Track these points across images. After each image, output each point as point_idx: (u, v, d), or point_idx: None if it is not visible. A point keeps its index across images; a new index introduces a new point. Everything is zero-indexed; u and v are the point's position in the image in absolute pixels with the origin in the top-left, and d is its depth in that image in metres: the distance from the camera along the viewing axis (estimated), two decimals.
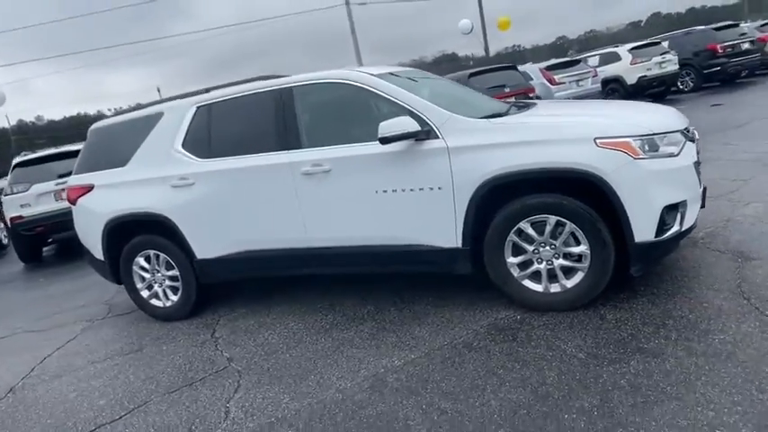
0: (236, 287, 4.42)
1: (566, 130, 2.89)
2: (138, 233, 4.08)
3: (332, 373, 2.85)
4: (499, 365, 2.59)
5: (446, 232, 3.13)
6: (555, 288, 3.01)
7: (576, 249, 2.90)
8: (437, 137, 3.07)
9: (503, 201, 2.99)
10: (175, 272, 4.03)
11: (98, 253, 4.26)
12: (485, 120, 3.10)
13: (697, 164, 2.95)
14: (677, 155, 2.83)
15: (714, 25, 14.77)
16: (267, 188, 3.55)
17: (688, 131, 3.04)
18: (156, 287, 4.16)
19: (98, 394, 3.14)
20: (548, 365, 2.50)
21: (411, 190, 3.15)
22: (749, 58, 13.77)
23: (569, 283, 2.97)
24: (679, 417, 1.98)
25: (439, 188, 3.07)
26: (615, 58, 14.27)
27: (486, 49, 22.10)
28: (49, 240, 8.03)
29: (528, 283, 3.07)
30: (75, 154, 8.29)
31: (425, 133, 3.07)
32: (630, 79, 13.60)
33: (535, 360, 2.57)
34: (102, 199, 4.12)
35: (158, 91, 55.29)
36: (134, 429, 2.67)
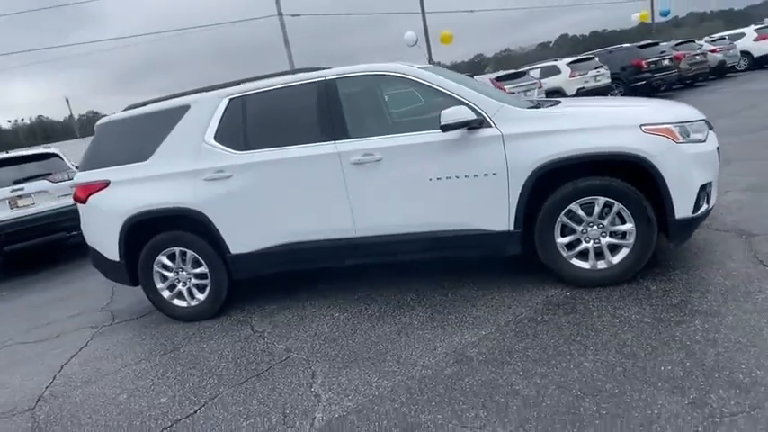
0: (252, 286, 4.32)
1: (613, 117, 3.19)
2: (161, 230, 3.90)
3: (408, 353, 2.91)
4: (574, 334, 2.79)
5: (499, 216, 3.31)
6: (601, 265, 3.27)
7: (623, 227, 3.18)
8: (490, 125, 3.25)
9: (553, 185, 3.22)
10: (203, 269, 3.89)
11: (112, 253, 4.02)
12: (531, 109, 3.33)
13: (718, 149, 3.35)
14: (704, 141, 3.21)
15: (638, 43, 16.32)
16: (313, 178, 3.55)
17: (707, 122, 3.45)
18: (179, 286, 3.99)
19: (154, 393, 2.99)
20: (620, 330, 2.73)
21: (465, 177, 3.30)
22: (669, 74, 15.37)
23: (615, 260, 3.24)
24: (762, 359, 2.27)
25: (494, 174, 3.24)
26: (555, 71, 15.38)
27: (430, 61, 22.85)
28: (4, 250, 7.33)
29: (576, 262, 3.31)
30: (30, 159, 7.73)
31: (479, 122, 3.24)
32: (570, 90, 14.70)
33: (606, 327, 2.79)
34: (121, 195, 3.90)
35: (67, 102, 51.53)
36: (219, 420, 2.59)
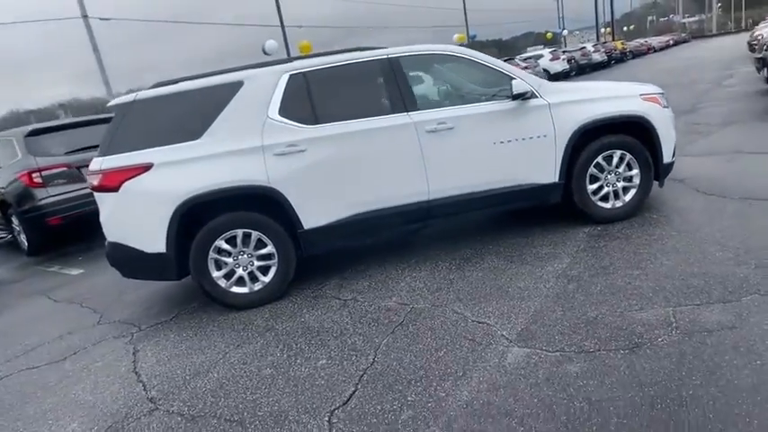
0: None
1: (620, 90, 4.19)
2: (220, 212, 3.68)
3: (524, 283, 3.41)
4: (631, 247, 3.65)
5: (548, 171, 4.04)
6: (618, 204, 4.23)
7: (631, 173, 4.19)
8: (536, 96, 3.97)
9: (584, 143, 4.07)
10: (268, 249, 3.78)
11: (153, 245, 3.63)
12: (559, 83, 4.15)
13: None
14: (668, 107, 4.42)
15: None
16: (390, 147, 3.81)
17: None
18: (239, 272, 3.79)
19: (303, 360, 2.94)
20: (654, 242, 3.67)
21: (522, 139, 3.95)
22: None
23: (627, 198, 4.23)
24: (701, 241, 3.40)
25: (545, 135, 3.97)
26: None
27: None
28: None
29: (600, 203, 4.21)
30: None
31: (531, 94, 3.93)
32: None
33: (644, 244, 3.70)
34: (170, 178, 3.58)
35: None
36: (406, 357, 2.75)
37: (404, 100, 3.86)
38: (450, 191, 3.95)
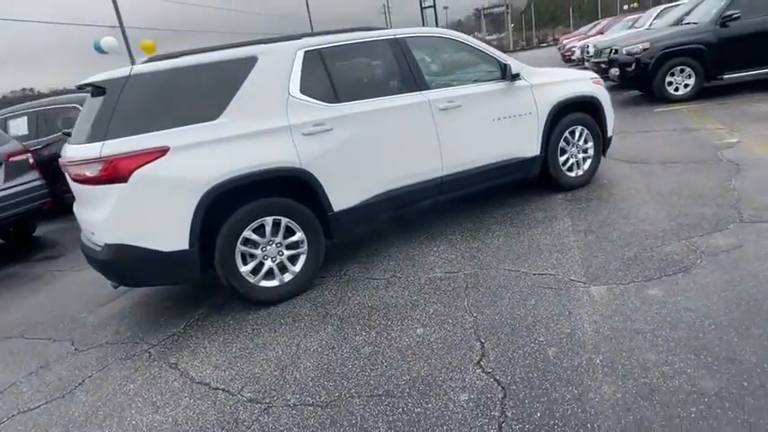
0: None
1: (577, 74, 4.86)
2: (248, 200, 3.35)
3: (547, 240, 3.79)
4: (611, 204, 4.30)
5: (534, 144, 4.51)
6: (579, 173, 4.90)
7: (587, 145, 4.89)
8: (520, 78, 4.41)
9: (554, 120, 4.64)
10: (298, 236, 3.56)
11: (173, 242, 3.17)
12: (530, 68, 4.67)
13: None
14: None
15: None
16: (410, 125, 3.89)
17: None
18: (268, 263, 3.48)
19: (410, 345, 2.88)
20: (626, 199, 4.40)
21: (515, 116, 4.36)
22: None
23: (585, 167, 4.93)
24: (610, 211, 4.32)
25: (530, 113, 4.43)
26: None
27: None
28: None
29: (567, 173, 4.83)
30: None
31: (518, 75, 4.37)
32: None
33: (619, 200, 4.41)
34: (191, 163, 3.16)
35: None
36: (524, 306, 2.90)
37: (416, 79, 3.97)
38: (458, 167, 4.17)
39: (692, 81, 8.32)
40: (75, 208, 3.60)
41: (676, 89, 8.46)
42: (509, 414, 2.11)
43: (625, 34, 11.30)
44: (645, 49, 8.48)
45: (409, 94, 3.91)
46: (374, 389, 2.43)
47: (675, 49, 8.23)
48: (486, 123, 4.24)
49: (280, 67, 3.53)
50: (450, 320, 2.93)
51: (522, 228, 4.15)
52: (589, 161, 4.94)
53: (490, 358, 2.50)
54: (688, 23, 8.68)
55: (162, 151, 3.10)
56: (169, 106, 3.22)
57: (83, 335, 3.61)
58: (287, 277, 3.57)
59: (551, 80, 4.61)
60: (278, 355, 2.88)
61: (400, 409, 2.25)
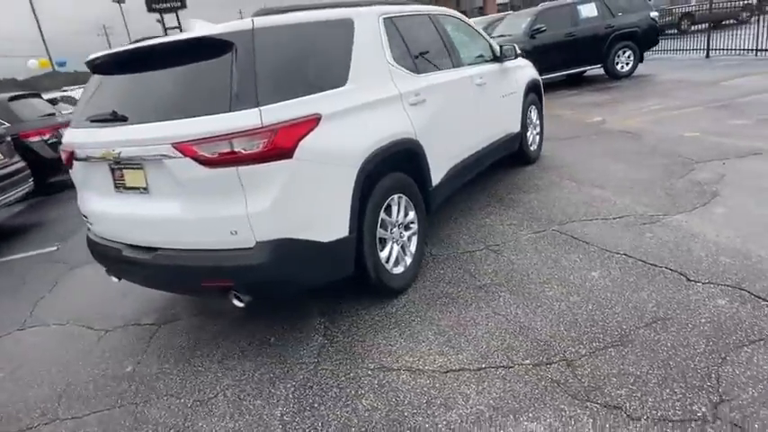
0: None
1: (524, 62, 5.59)
2: (382, 175, 2.96)
3: (573, 198, 4.35)
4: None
5: (518, 121, 5.05)
6: (534, 147, 5.65)
7: (537, 121, 5.68)
8: (508, 59, 4.87)
9: (526, 97, 5.25)
10: (411, 216, 3.29)
11: (333, 230, 2.62)
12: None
13: None
14: None
15: None
16: (468, 99, 3.99)
17: None
18: (396, 248, 3.13)
19: (562, 310, 3.02)
20: (603, 156, 5.37)
21: (510, 94, 4.82)
22: None
23: (537, 141, 5.71)
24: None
25: (515, 92, 4.95)
26: None
27: None
28: None
29: (531, 146, 5.53)
30: None
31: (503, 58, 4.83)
32: None
33: (599, 155, 5.34)
34: (341, 133, 2.66)
35: None
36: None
37: (456, 55, 4.05)
38: (486, 140, 4.37)
39: None
40: (121, 208, 2.59)
41: None
42: None
43: None
44: None
45: (457, 69, 3.98)
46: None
47: None
48: (499, 100, 4.59)
49: (372, 32, 3.20)
50: (571, 279, 3.02)
51: (531, 195, 4.63)
52: (538, 138, 5.76)
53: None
54: (508, 35, 10.58)
55: (316, 119, 2.51)
56: (298, 68, 2.62)
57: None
58: (409, 260, 3.25)
59: (517, 64, 5.23)
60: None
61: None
